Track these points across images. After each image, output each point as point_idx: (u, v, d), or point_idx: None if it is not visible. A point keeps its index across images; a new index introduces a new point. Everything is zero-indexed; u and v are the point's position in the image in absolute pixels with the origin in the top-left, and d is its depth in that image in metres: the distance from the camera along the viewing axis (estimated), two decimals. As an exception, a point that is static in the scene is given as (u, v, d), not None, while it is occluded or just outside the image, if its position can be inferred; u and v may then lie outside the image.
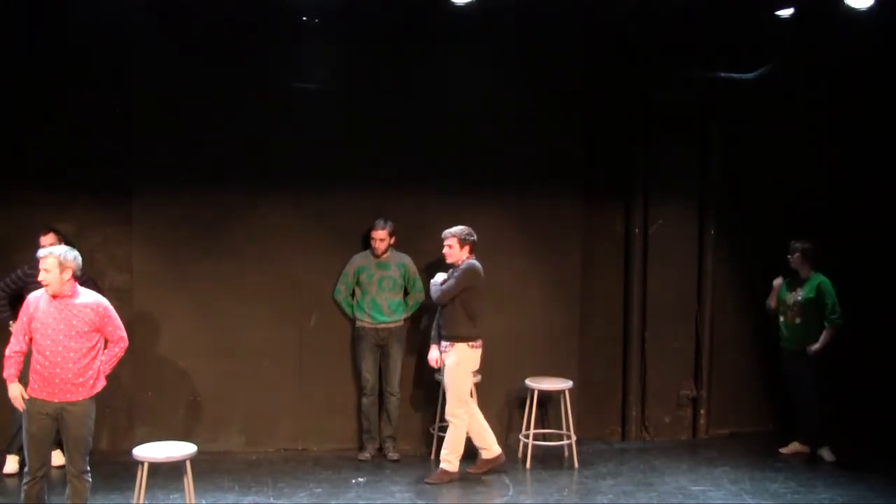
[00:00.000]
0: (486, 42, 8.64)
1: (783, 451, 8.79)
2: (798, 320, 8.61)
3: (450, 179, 8.75)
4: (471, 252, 7.91)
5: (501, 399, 8.97)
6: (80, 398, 6.24)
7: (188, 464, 6.63)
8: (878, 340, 9.24)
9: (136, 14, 7.84)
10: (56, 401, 6.18)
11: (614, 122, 9.13)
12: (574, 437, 8.51)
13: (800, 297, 8.60)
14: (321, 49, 8.49)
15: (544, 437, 8.76)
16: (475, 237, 7.93)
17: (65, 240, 7.69)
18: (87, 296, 6.35)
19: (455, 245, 7.86)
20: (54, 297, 6.19)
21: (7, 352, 6.26)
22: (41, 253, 6.29)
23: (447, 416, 7.94)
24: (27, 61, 8.15)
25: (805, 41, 8.78)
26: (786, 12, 8.13)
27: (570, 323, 9.06)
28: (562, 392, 8.49)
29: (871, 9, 7.53)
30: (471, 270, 7.81)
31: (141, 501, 6.55)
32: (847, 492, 7.76)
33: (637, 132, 9.12)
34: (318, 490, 7.71)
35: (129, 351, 8.42)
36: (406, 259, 8.56)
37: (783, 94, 9.26)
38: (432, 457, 8.56)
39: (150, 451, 6.60)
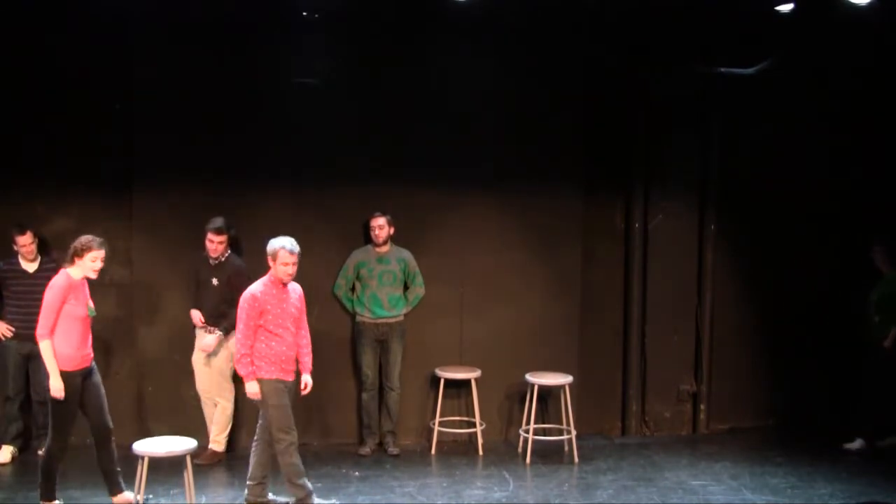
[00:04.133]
0: (486, 38, 8.63)
1: (847, 446, 8.68)
2: (877, 318, 8.59)
3: (450, 175, 8.74)
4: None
5: (502, 394, 8.97)
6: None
7: (188, 459, 6.62)
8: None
9: (137, 10, 7.85)
10: (291, 379, 6.97)
11: (614, 117, 9.13)
12: (574, 432, 8.51)
13: (876, 297, 8.59)
14: (321, 46, 8.48)
15: (544, 432, 8.76)
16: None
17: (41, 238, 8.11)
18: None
19: (225, 241, 8.14)
20: (284, 285, 6.92)
21: (246, 351, 6.85)
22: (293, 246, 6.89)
23: (217, 397, 8.24)
24: (28, 57, 8.15)
25: (805, 36, 8.78)
26: (786, 7, 8.12)
27: (570, 318, 9.06)
28: (562, 387, 8.49)
29: (871, 3, 7.52)
30: (243, 272, 8.06)
31: (141, 496, 6.55)
32: (847, 487, 7.76)
33: (637, 127, 9.12)
34: (319, 485, 7.68)
35: (130, 346, 8.52)
36: (406, 254, 8.56)
37: (784, 88, 9.25)
38: (433, 451, 8.57)
39: (151, 446, 6.60)
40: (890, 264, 8.58)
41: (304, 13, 8.27)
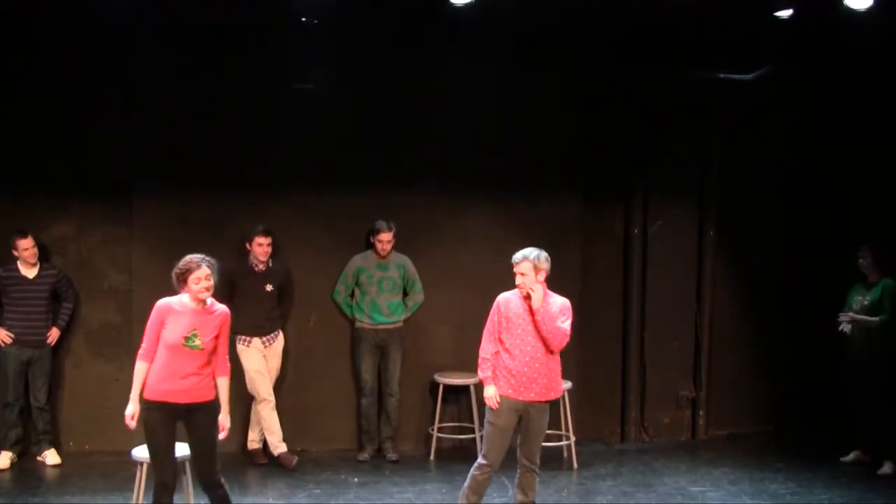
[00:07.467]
0: (485, 42, 8.62)
1: (844, 459, 8.49)
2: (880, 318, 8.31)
3: (449, 180, 8.75)
4: None
5: (501, 400, 8.96)
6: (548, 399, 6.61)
7: (187, 464, 6.61)
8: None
9: (137, 14, 7.84)
10: (523, 399, 6.49)
11: (614, 123, 9.14)
12: (573, 438, 8.52)
13: (866, 302, 8.31)
14: (321, 50, 8.49)
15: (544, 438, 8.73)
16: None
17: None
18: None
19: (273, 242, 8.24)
20: (527, 298, 6.43)
21: (484, 354, 6.51)
22: (517, 257, 6.50)
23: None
24: (27, 61, 8.16)
25: (805, 42, 8.79)
26: (785, 13, 8.13)
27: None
28: (561, 393, 8.47)
29: (870, 9, 7.53)
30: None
31: (140, 502, 6.54)
32: (846, 492, 7.76)
33: (637, 133, 9.13)
34: (317, 491, 7.70)
35: (129, 351, 8.47)
36: (405, 260, 8.56)
37: (783, 94, 9.27)
38: (432, 457, 8.57)
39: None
40: (879, 272, 8.27)
41: (304, 18, 8.27)
